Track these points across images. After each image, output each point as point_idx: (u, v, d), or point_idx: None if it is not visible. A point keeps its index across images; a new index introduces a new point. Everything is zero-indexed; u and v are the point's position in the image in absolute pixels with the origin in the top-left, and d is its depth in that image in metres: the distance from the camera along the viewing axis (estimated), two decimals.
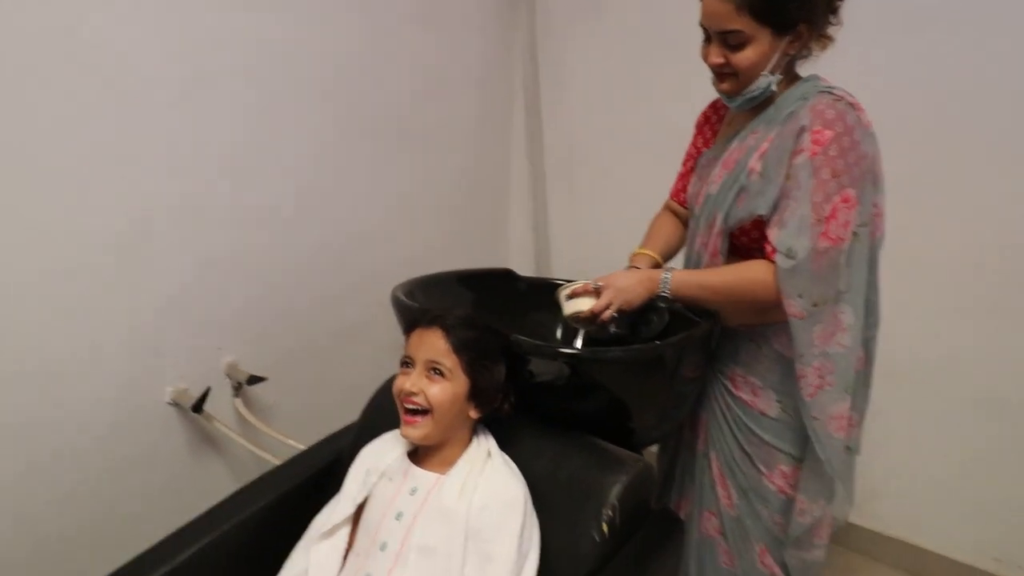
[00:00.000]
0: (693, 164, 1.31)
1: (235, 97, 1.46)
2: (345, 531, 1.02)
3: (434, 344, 1.00)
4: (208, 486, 1.55)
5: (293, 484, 1.17)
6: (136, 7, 1.27)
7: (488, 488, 0.97)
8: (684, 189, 1.34)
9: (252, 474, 1.18)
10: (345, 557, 1.01)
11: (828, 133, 1.02)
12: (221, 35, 1.41)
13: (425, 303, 1.22)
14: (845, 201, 1.03)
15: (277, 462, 1.29)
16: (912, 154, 1.65)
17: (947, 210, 1.66)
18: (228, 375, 1.56)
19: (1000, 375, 1.68)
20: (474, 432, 1.07)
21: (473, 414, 1.03)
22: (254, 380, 1.55)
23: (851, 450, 1.20)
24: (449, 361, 0.99)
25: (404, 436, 1.01)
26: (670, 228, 1.37)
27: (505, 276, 1.51)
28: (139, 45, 1.28)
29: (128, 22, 1.26)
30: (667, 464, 1.42)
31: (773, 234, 1.07)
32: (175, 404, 1.47)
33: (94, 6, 1.21)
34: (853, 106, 1.05)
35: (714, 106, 1.31)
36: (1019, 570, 1.76)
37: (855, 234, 1.05)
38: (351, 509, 1.02)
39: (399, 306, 1.20)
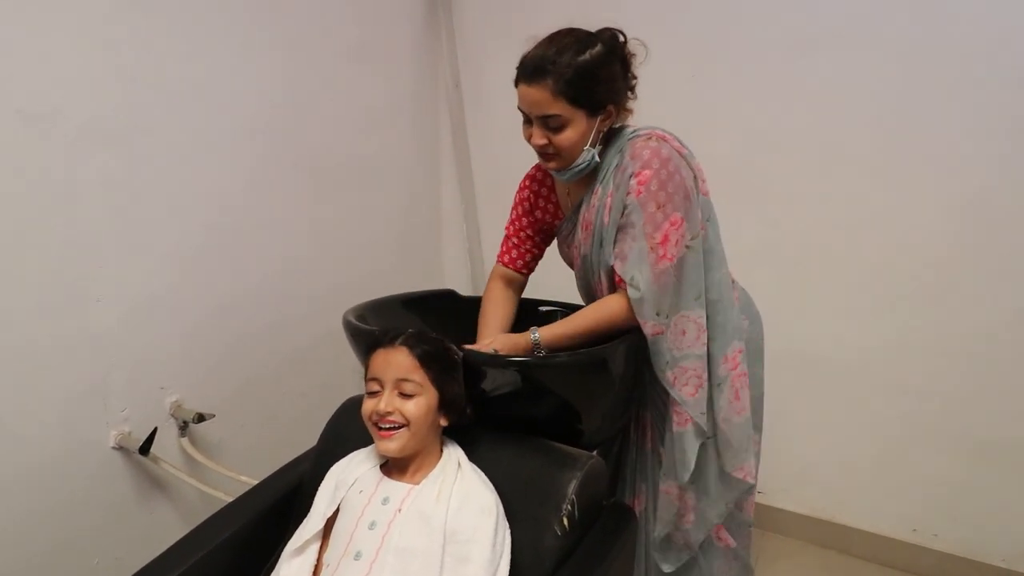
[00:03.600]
0: (532, 232, 1.44)
1: (168, 135, 1.47)
2: (315, 546, 1.04)
3: (400, 362, 1.04)
4: (158, 530, 1.53)
5: (256, 513, 1.17)
6: (66, 42, 1.27)
7: (462, 495, 1.01)
8: (521, 257, 1.46)
9: (204, 515, 1.17)
10: (316, 573, 1.02)
11: (647, 172, 1.16)
12: (152, 73, 1.42)
13: (377, 326, 1.26)
14: (673, 224, 1.17)
15: (230, 499, 1.27)
16: (821, 163, 1.83)
17: (860, 216, 1.81)
18: (173, 415, 1.55)
19: (909, 364, 1.84)
20: (442, 444, 1.11)
21: (443, 422, 1.08)
22: (201, 418, 1.53)
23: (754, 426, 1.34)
24: (418, 376, 1.04)
25: (381, 451, 1.04)
26: (503, 305, 1.44)
27: (448, 296, 1.57)
28: (70, 87, 1.29)
29: (56, 63, 1.26)
30: (612, 466, 1.50)
31: (618, 266, 1.21)
32: (120, 448, 1.44)
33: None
34: (663, 139, 1.21)
35: (535, 179, 1.43)
36: (934, 537, 1.92)
37: (687, 247, 1.20)
38: (321, 524, 1.04)
39: (353, 331, 1.23)
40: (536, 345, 1.22)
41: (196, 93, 1.52)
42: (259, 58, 1.66)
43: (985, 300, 1.72)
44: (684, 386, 1.24)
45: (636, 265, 1.18)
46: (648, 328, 1.20)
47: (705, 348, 1.24)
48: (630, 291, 1.19)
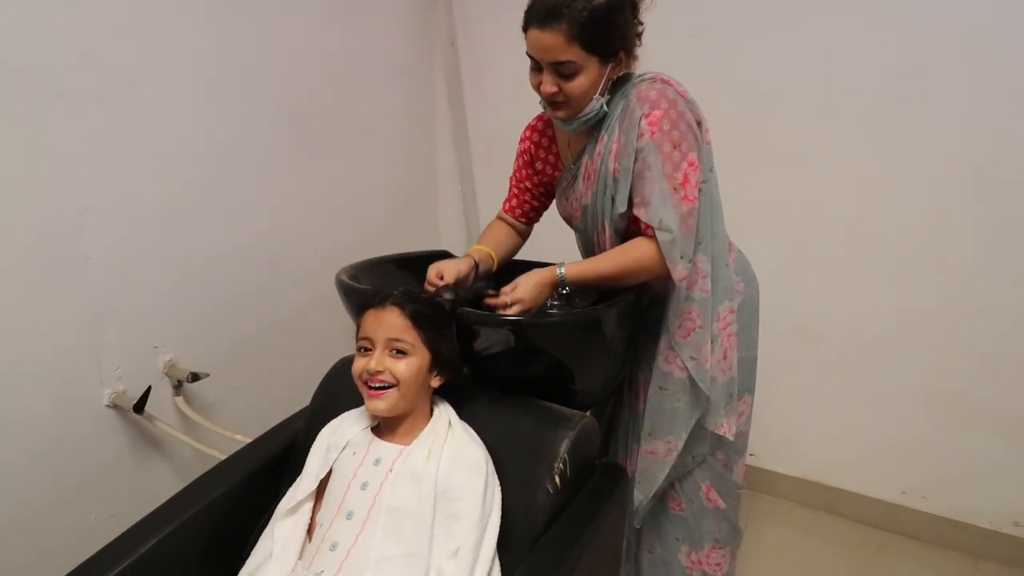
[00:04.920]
0: (531, 184, 1.43)
1: (159, 97, 1.44)
2: (308, 506, 1.04)
3: (392, 322, 1.04)
4: (154, 487, 1.54)
5: (250, 471, 1.18)
6: (45, 4, 1.24)
7: (452, 454, 1.02)
8: (520, 207, 1.46)
9: (199, 473, 1.18)
10: (310, 532, 1.03)
11: (656, 112, 1.14)
12: (140, 28, 1.39)
13: (370, 286, 1.25)
14: (691, 164, 1.15)
15: (224, 457, 1.27)
16: (821, 127, 1.81)
17: (859, 181, 1.80)
18: (167, 374, 1.55)
19: (902, 330, 1.85)
20: (433, 404, 1.11)
21: (435, 383, 1.08)
22: (195, 377, 1.53)
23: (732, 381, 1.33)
24: (410, 336, 1.03)
25: (371, 410, 1.04)
26: (503, 232, 1.47)
27: (442, 257, 1.55)
28: (53, 44, 1.25)
29: (38, 17, 1.23)
30: (605, 427, 1.51)
31: (641, 213, 1.17)
32: (114, 406, 1.45)
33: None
34: (666, 82, 1.18)
35: (536, 129, 1.40)
36: (922, 499, 1.95)
37: (700, 190, 1.18)
38: (314, 485, 1.04)
39: (346, 290, 1.22)
40: (561, 281, 1.19)
41: (184, 49, 1.48)
42: (248, 13, 1.62)
43: (980, 268, 1.72)
44: (678, 328, 1.24)
45: (662, 207, 1.14)
46: (677, 273, 1.16)
47: (704, 293, 1.23)
48: (660, 235, 1.14)
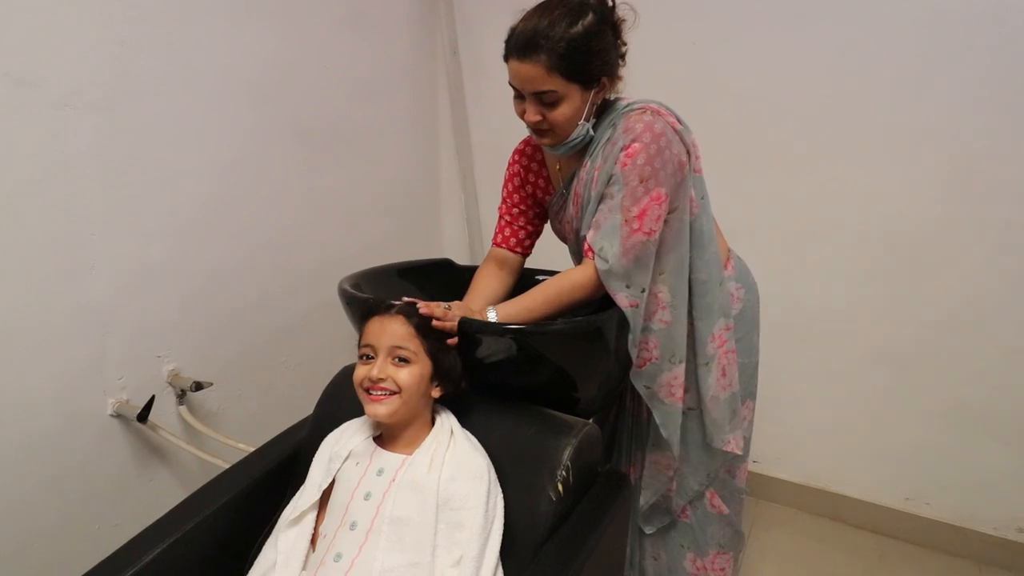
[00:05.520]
0: (525, 207, 1.41)
1: (163, 108, 1.46)
2: (311, 516, 1.04)
3: (395, 331, 1.04)
4: (158, 496, 1.54)
5: (253, 479, 1.18)
6: (56, 6, 1.25)
7: (454, 462, 1.02)
8: (514, 235, 1.42)
9: (203, 482, 1.18)
10: (314, 543, 1.03)
11: (636, 146, 1.14)
12: (144, 39, 1.40)
13: (372, 295, 1.25)
14: (654, 199, 1.14)
15: (228, 466, 1.27)
16: (816, 134, 1.82)
17: (853, 186, 1.81)
18: (171, 383, 1.55)
19: (903, 334, 1.85)
20: (435, 413, 1.11)
21: (435, 393, 1.08)
22: (199, 386, 1.54)
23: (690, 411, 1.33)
24: (413, 345, 1.04)
25: (371, 415, 1.04)
26: (493, 280, 1.40)
27: (444, 266, 1.56)
28: (57, 56, 1.26)
29: (43, 29, 1.24)
30: (608, 434, 1.51)
31: (589, 235, 1.18)
32: (118, 416, 1.45)
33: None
34: (657, 113, 1.17)
35: (525, 154, 1.40)
36: (926, 506, 1.94)
37: (666, 222, 1.18)
38: (317, 495, 1.04)
39: (349, 299, 1.23)
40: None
41: (188, 60, 1.50)
42: (252, 25, 1.63)
43: (983, 273, 1.73)
44: (636, 357, 1.24)
45: (607, 236, 1.16)
46: (621, 300, 1.17)
47: (664, 325, 1.23)
48: (598, 261, 1.16)
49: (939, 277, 1.77)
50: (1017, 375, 1.74)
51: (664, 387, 1.26)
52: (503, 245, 1.43)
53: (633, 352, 1.22)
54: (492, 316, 1.16)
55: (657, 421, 1.28)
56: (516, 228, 1.43)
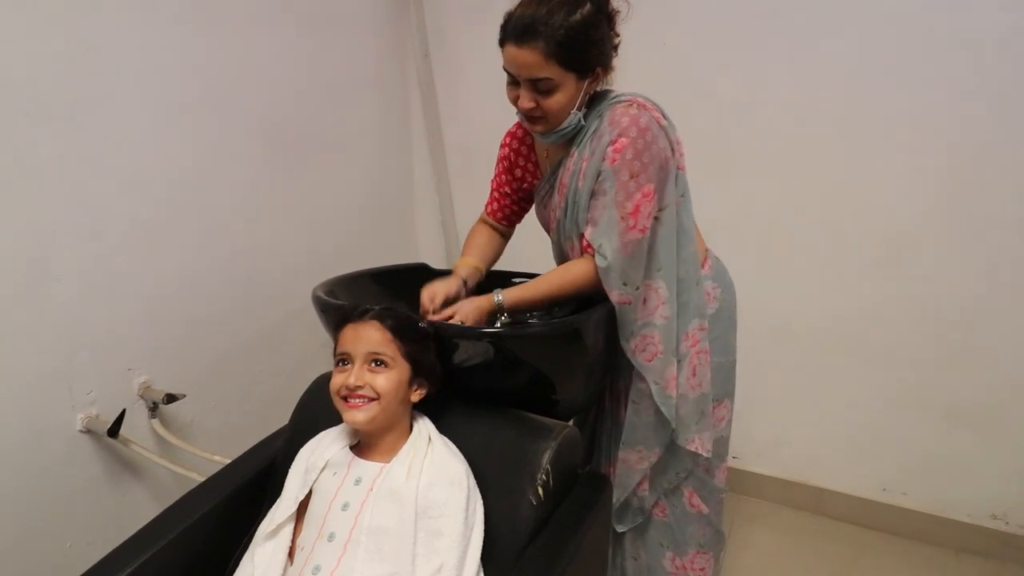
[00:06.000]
0: (510, 190, 1.44)
1: (128, 114, 1.42)
2: (289, 529, 1.03)
3: (371, 336, 1.03)
4: (131, 512, 1.51)
5: (229, 492, 1.16)
6: (8, 13, 1.21)
7: (432, 469, 1.00)
8: (501, 210, 1.46)
9: (177, 496, 1.16)
10: (292, 555, 1.02)
11: (624, 140, 1.14)
12: (102, 43, 1.36)
13: (347, 301, 1.24)
14: (646, 195, 1.16)
15: (203, 480, 1.25)
16: (793, 132, 1.83)
17: (832, 185, 1.82)
18: (142, 396, 1.52)
19: (881, 330, 1.87)
20: (413, 420, 1.10)
21: (415, 397, 1.07)
22: (171, 398, 1.51)
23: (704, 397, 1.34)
24: (390, 350, 1.03)
25: (349, 422, 1.03)
26: (487, 237, 1.47)
27: (420, 270, 1.55)
28: (18, 62, 1.23)
29: (3, 35, 1.21)
30: (588, 435, 1.51)
31: (587, 232, 1.20)
32: (88, 431, 1.42)
33: None
34: (643, 107, 1.18)
35: (516, 136, 1.41)
36: (903, 496, 1.98)
37: (656, 219, 1.19)
38: (293, 507, 1.03)
39: (323, 306, 1.21)
40: (499, 307, 1.21)
41: (153, 66, 1.46)
42: (219, 29, 1.61)
43: (955, 266, 1.75)
44: (642, 352, 1.25)
45: (605, 233, 1.17)
46: (615, 297, 1.19)
47: (665, 320, 1.24)
48: (597, 259, 1.18)
49: (907, 269, 1.80)
50: (984, 364, 1.77)
51: (669, 382, 1.27)
52: (492, 217, 1.48)
53: (627, 348, 1.24)
54: (499, 299, 1.20)
55: (666, 416, 1.27)
56: (503, 204, 1.47)
